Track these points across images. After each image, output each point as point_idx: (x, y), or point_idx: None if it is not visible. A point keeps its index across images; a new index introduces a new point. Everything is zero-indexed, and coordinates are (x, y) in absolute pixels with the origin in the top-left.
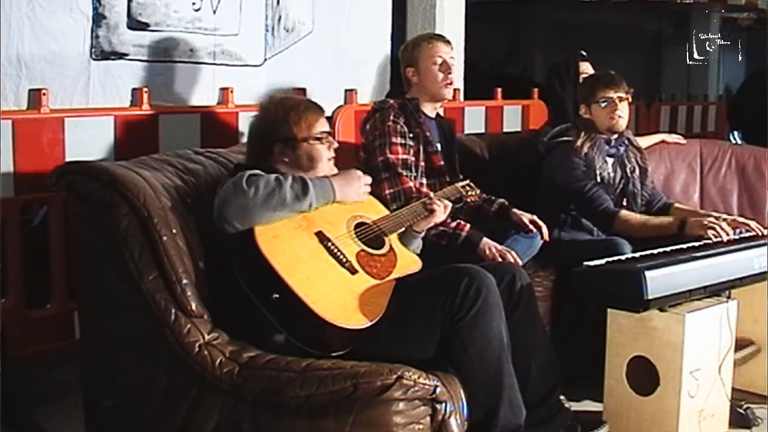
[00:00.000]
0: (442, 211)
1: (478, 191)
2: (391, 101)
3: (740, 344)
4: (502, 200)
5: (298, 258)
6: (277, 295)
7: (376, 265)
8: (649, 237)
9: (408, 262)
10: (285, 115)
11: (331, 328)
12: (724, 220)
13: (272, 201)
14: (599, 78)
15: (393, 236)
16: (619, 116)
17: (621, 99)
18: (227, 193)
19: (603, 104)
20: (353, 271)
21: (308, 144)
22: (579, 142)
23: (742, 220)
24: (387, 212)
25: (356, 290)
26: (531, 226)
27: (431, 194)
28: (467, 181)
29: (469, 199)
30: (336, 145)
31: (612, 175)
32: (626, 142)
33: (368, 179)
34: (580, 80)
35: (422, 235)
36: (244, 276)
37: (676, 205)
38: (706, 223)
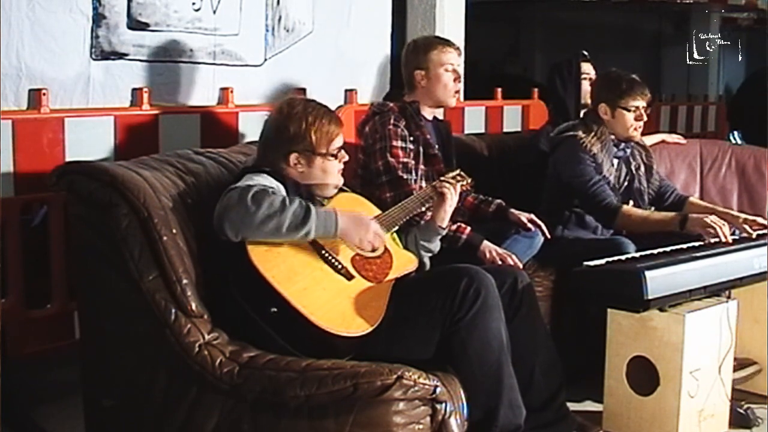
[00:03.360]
0: (452, 192)
1: (470, 180)
2: (391, 104)
3: (741, 363)
4: (499, 201)
5: (293, 269)
6: (275, 309)
7: (372, 268)
8: (651, 232)
9: (404, 261)
10: (308, 127)
11: (332, 338)
12: (744, 220)
13: (270, 224)
14: (631, 84)
15: (387, 236)
16: (641, 126)
17: (645, 109)
18: (231, 202)
19: (630, 111)
20: (349, 277)
21: (325, 159)
22: (588, 141)
23: (761, 221)
24: (378, 212)
25: (354, 296)
26: (530, 225)
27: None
28: (458, 171)
29: (461, 189)
30: (347, 158)
31: (617, 174)
32: (632, 142)
33: (381, 236)
34: (582, 80)
35: (446, 231)
36: (240, 290)
37: (691, 199)
38: (706, 221)
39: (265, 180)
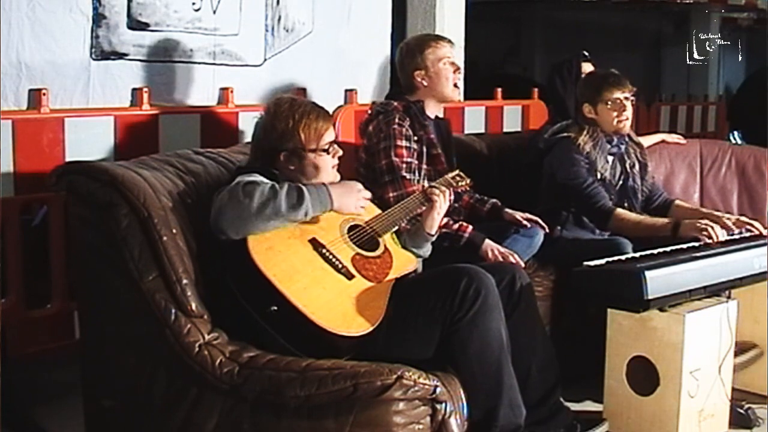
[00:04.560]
0: (441, 199)
1: (469, 180)
2: (395, 103)
3: (742, 348)
4: (494, 200)
5: (294, 268)
6: (275, 308)
7: (372, 268)
8: (643, 237)
9: (404, 261)
10: (296, 125)
11: (333, 337)
12: (728, 219)
13: (266, 211)
14: (605, 77)
15: (387, 236)
16: (626, 118)
17: (627, 99)
18: (223, 202)
19: (610, 105)
20: (350, 277)
21: (316, 155)
22: (581, 140)
23: (745, 219)
24: (379, 211)
25: (354, 295)
26: (526, 222)
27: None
28: (457, 171)
29: (460, 190)
30: (341, 153)
31: (612, 172)
32: (627, 139)
33: (367, 193)
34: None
35: (435, 237)
36: (241, 289)
37: (677, 202)
38: (699, 225)
39: (257, 179)
